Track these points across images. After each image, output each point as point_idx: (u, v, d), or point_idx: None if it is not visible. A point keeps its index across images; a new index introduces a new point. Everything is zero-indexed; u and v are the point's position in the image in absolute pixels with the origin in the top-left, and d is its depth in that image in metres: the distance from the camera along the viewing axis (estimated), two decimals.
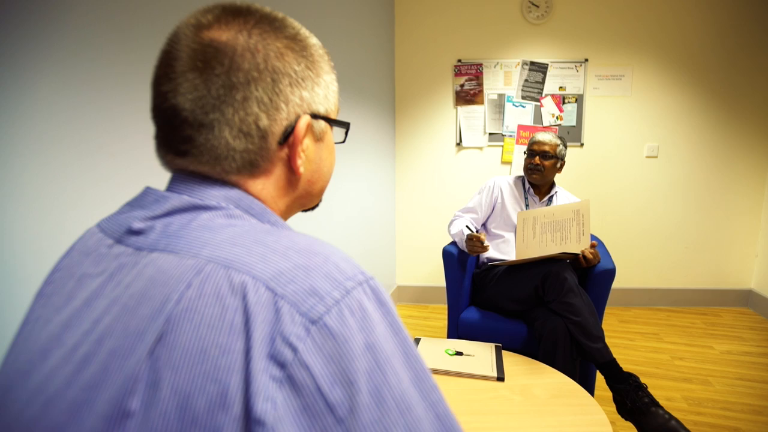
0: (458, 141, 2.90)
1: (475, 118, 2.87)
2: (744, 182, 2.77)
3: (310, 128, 0.41)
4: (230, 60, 0.35)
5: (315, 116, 0.41)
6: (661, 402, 1.75)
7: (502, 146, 2.86)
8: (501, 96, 2.83)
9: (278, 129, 0.38)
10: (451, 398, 1.12)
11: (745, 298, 2.84)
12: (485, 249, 1.60)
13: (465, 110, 2.87)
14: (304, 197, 0.45)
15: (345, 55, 2.05)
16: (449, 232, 1.86)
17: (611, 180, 2.85)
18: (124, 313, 0.31)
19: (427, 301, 3.02)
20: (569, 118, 2.80)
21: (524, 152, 1.83)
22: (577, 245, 1.57)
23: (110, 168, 0.87)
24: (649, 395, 1.22)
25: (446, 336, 1.83)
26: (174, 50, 0.36)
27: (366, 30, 2.34)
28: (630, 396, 1.23)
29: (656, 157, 2.80)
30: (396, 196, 3.02)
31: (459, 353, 1.34)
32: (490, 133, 2.87)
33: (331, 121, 0.44)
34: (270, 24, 0.38)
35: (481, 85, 2.83)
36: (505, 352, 1.37)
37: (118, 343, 0.30)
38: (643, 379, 1.93)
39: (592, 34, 2.73)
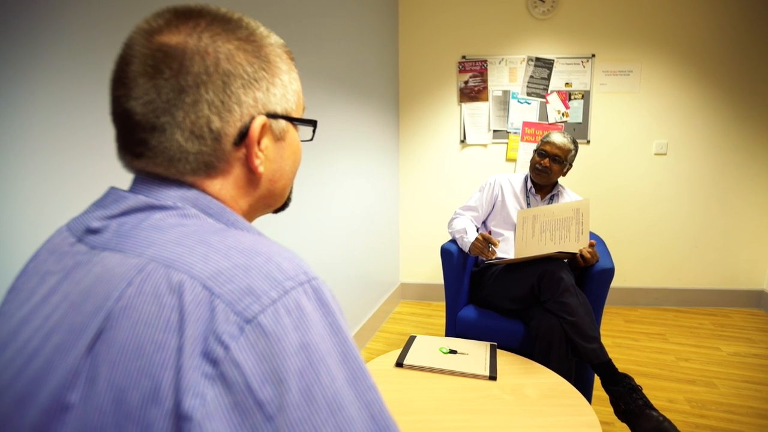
0: (462, 138, 2.88)
1: (479, 115, 2.85)
2: (756, 180, 2.70)
3: (268, 128, 0.41)
4: (179, 64, 0.36)
5: (272, 116, 0.41)
6: (663, 404, 1.73)
7: (507, 143, 2.84)
8: (506, 93, 2.80)
9: (232, 130, 0.38)
10: (441, 396, 1.12)
11: (757, 299, 2.77)
12: (491, 255, 1.58)
13: (469, 107, 2.85)
14: (268, 197, 0.45)
15: (349, 53, 2.05)
16: (449, 228, 1.84)
17: (618, 178, 2.80)
18: (71, 310, 0.32)
19: (430, 299, 3.02)
20: (575, 115, 2.76)
21: (534, 150, 1.80)
22: (576, 244, 1.55)
23: (109, 168, 0.88)
24: (644, 397, 1.20)
25: (444, 334, 1.83)
26: (127, 55, 0.37)
27: (370, 27, 2.33)
28: (624, 398, 1.21)
29: (665, 154, 2.75)
30: (400, 193, 3.02)
31: (453, 351, 1.34)
32: (494, 130, 2.84)
33: (294, 120, 0.44)
34: (222, 25, 0.38)
35: (485, 81, 2.80)
36: (500, 351, 1.36)
37: (63, 338, 0.31)
38: (645, 381, 1.90)
39: (600, 29, 2.68)
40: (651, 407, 1.17)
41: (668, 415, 1.62)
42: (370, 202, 2.45)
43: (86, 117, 0.85)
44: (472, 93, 2.83)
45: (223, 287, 0.30)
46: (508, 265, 1.63)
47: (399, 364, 1.27)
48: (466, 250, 1.70)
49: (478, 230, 1.86)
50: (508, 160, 2.86)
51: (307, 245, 1.72)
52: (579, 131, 2.76)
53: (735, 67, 2.62)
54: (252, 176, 0.42)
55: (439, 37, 2.83)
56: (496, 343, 1.41)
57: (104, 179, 0.89)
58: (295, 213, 1.63)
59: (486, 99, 2.82)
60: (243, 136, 0.39)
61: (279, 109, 0.42)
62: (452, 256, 1.73)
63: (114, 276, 0.32)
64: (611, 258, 1.65)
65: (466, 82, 2.82)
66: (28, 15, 0.75)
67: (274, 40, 0.42)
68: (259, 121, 0.39)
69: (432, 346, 1.37)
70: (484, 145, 2.88)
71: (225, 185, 0.41)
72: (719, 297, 2.79)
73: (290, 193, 0.51)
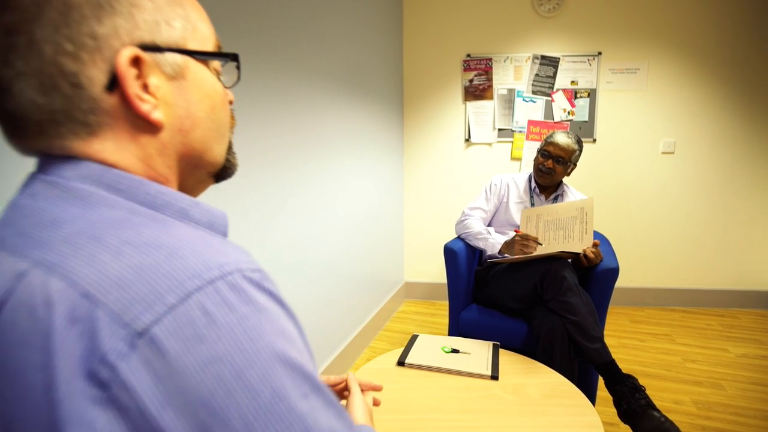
0: (467, 137, 2.87)
1: (484, 113, 2.83)
2: (766, 179, 2.66)
3: (152, 65, 0.33)
4: (3, 4, 0.29)
5: (150, 48, 0.33)
6: (669, 405, 1.72)
7: (512, 142, 2.82)
8: (511, 91, 2.78)
9: (95, 72, 0.31)
10: (442, 395, 1.12)
11: (766, 300, 2.73)
12: (533, 249, 1.57)
13: (474, 106, 2.83)
14: (190, 154, 0.37)
15: (353, 52, 2.06)
16: (464, 229, 1.81)
17: (625, 177, 2.77)
18: None
19: (434, 298, 3.01)
20: (581, 113, 2.74)
21: (538, 150, 1.79)
22: (580, 244, 1.53)
23: None
24: (646, 397, 1.19)
25: (447, 333, 1.83)
26: None
27: (375, 26, 2.33)
28: (626, 398, 1.20)
29: (672, 153, 2.71)
30: (404, 192, 3.01)
31: (455, 351, 1.34)
32: (499, 129, 2.83)
33: (191, 54, 0.36)
34: None
35: (490, 80, 2.79)
36: (502, 351, 1.36)
37: None
38: (651, 382, 1.89)
39: (606, 26, 2.66)
40: (653, 407, 1.16)
41: (674, 417, 1.61)
42: (375, 201, 2.45)
43: None
44: (477, 91, 2.82)
45: (109, 295, 0.26)
46: (511, 264, 1.63)
47: (401, 362, 1.27)
48: (494, 251, 1.68)
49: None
50: (513, 158, 2.84)
51: (311, 244, 1.72)
52: (585, 130, 2.74)
53: (744, 65, 2.58)
54: (152, 128, 0.34)
55: (443, 35, 2.82)
56: (498, 343, 1.40)
57: None
58: (299, 212, 1.63)
59: (491, 97, 2.80)
60: (116, 80, 0.32)
61: (159, 40, 0.33)
62: (456, 256, 1.72)
63: (2, 286, 0.28)
64: (616, 257, 1.64)
65: (470, 81, 2.81)
66: None
67: None
68: (126, 53, 0.31)
69: (434, 345, 1.37)
70: (489, 144, 2.86)
71: (121, 145, 0.33)
72: (727, 298, 2.76)
73: (230, 154, 0.43)
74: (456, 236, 1.88)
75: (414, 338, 1.43)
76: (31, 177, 0.33)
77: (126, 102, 0.32)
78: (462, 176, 2.91)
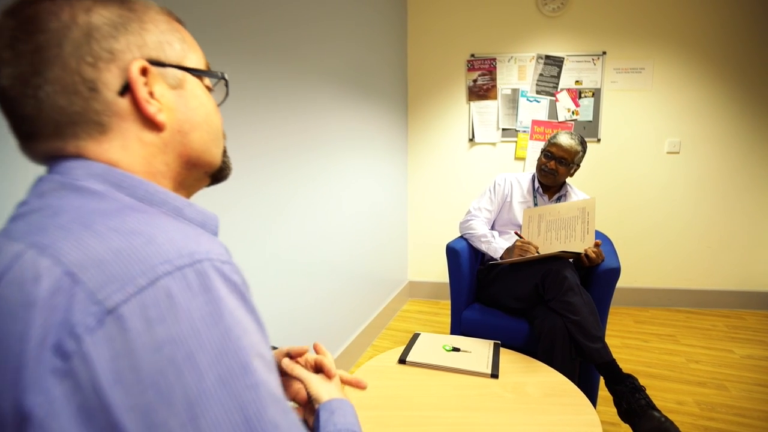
0: (471, 137, 2.87)
1: (488, 113, 2.84)
2: None
3: (157, 76, 0.40)
4: (35, 26, 0.35)
5: (156, 63, 0.39)
6: (671, 405, 1.72)
7: (516, 142, 2.82)
8: (515, 91, 2.78)
9: (111, 78, 0.37)
10: (442, 393, 1.13)
11: None
12: (534, 251, 1.59)
13: (478, 105, 2.84)
14: (188, 155, 0.43)
15: (358, 53, 2.07)
16: (468, 230, 1.82)
17: (630, 177, 2.76)
18: None
19: (438, 297, 3.02)
20: (585, 113, 2.73)
21: (541, 150, 1.79)
22: (581, 244, 1.54)
23: None
24: (646, 397, 1.19)
25: (449, 332, 1.84)
26: None
27: (379, 27, 2.34)
28: (626, 398, 1.20)
29: (678, 152, 2.70)
30: (408, 192, 3.02)
31: (456, 349, 1.35)
32: (503, 129, 2.83)
33: (188, 70, 0.42)
34: None
35: (494, 80, 2.79)
36: (503, 350, 1.36)
37: None
38: (654, 382, 1.88)
39: (611, 26, 2.65)
40: (653, 407, 1.16)
41: (676, 417, 1.61)
42: (379, 201, 2.47)
43: None
44: (481, 91, 2.82)
45: (88, 273, 0.28)
46: (512, 264, 1.63)
47: (402, 360, 1.29)
48: (497, 255, 1.70)
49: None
50: (517, 158, 2.84)
51: (315, 243, 1.74)
52: (589, 129, 2.74)
53: (750, 64, 2.56)
54: (155, 129, 0.40)
55: (447, 35, 2.82)
56: (499, 342, 1.41)
57: None
58: (303, 211, 1.65)
59: (495, 97, 2.81)
60: (127, 86, 0.38)
61: (163, 57, 0.40)
62: (458, 255, 1.73)
63: (1, 265, 0.31)
64: (617, 258, 1.64)
65: (474, 81, 2.82)
66: None
67: (144, 0, 0.42)
68: (137, 64, 0.38)
69: (435, 344, 1.38)
70: (493, 144, 2.87)
71: (128, 144, 0.38)
72: (733, 298, 2.74)
73: (226, 157, 0.48)
74: (459, 235, 1.89)
75: (415, 336, 1.44)
76: (41, 179, 0.37)
77: (135, 105, 0.38)
78: (466, 176, 2.92)
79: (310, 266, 1.72)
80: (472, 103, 2.84)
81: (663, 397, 1.78)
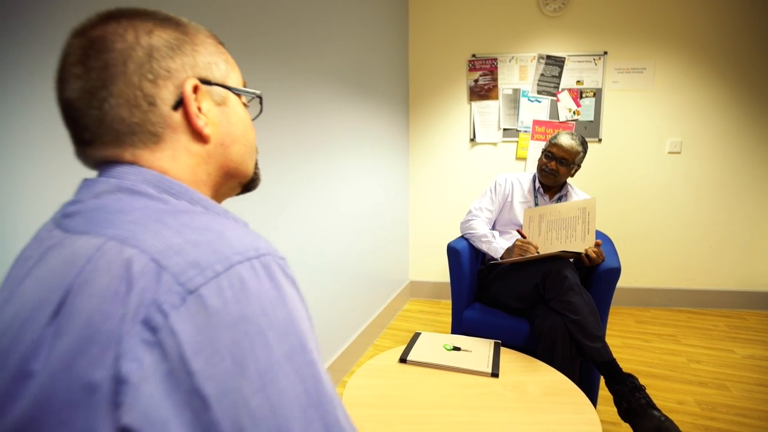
0: (472, 137, 2.88)
1: (489, 113, 2.84)
2: None
3: (205, 93, 0.44)
4: (103, 45, 0.40)
5: (205, 82, 0.44)
6: (672, 405, 1.72)
7: (517, 142, 2.83)
8: (516, 91, 2.79)
9: (167, 94, 0.42)
10: (442, 392, 1.14)
11: None
12: (534, 251, 1.59)
13: (479, 105, 2.84)
14: (227, 165, 0.48)
15: (359, 53, 2.08)
16: (469, 230, 1.83)
17: (631, 177, 2.76)
18: (41, 288, 0.35)
19: (439, 297, 3.03)
20: (587, 113, 2.73)
21: (542, 150, 1.79)
22: (582, 244, 1.54)
23: None
24: (646, 396, 1.20)
25: (450, 332, 1.84)
26: (63, 54, 0.42)
27: (380, 27, 2.35)
28: (626, 397, 1.21)
29: (679, 152, 2.70)
30: (409, 192, 3.03)
31: (457, 348, 1.36)
32: (504, 129, 2.83)
33: (231, 89, 0.47)
34: (141, 16, 0.43)
35: (495, 80, 2.80)
36: (504, 349, 1.37)
37: (29, 314, 0.34)
38: (655, 382, 1.89)
39: (612, 25, 2.65)
40: (653, 407, 1.17)
41: (676, 417, 1.62)
42: (380, 201, 2.48)
43: None
44: (482, 91, 2.83)
45: (171, 260, 0.32)
46: (513, 264, 1.64)
47: (403, 359, 1.29)
48: (497, 256, 1.70)
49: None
50: (518, 158, 2.85)
51: (316, 243, 1.75)
52: (590, 129, 2.74)
53: (751, 64, 2.56)
54: (201, 141, 0.44)
55: (449, 35, 2.83)
56: (500, 341, 1.42)
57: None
58: (304, 211, 1.66)
59: (496, 97, 2.81)
60: (180, 102, 0.43)
61: (211, 77, 0.45)
62: (459, 255, 1.74)
63: (77, 255, 0.35)
64: (618, 258, 1.64)
65: (476, 81, 2.82)
66: (33, 12, 0.79)
67: (195, 24, 0.46)
68: (191, 82, 0.43)
69: (436, 343, 1.39)
70: (494, 144, 2.87)
71: (177, 154, 0.43)
72: (735, 299, 2.74)
73: (257, 169, 0.53)
74: (460, 235, 1.90)
75: (416, 336, 1.45)
76: (93, 181, 0.41)
77: (186, 118, 0.43)
78: (467, 176, 2.93)
79: (311, 266, 1.72)
80: (473, 103, 2.85)
81: (664, 396, 1.78)
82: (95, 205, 0.39)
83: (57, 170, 0.82)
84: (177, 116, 0.42)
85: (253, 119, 0.52)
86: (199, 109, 0.44)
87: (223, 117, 0.46)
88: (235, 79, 0.49)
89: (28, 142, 0.78)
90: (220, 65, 0.46)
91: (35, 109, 0.78)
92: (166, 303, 0.31)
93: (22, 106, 0.76)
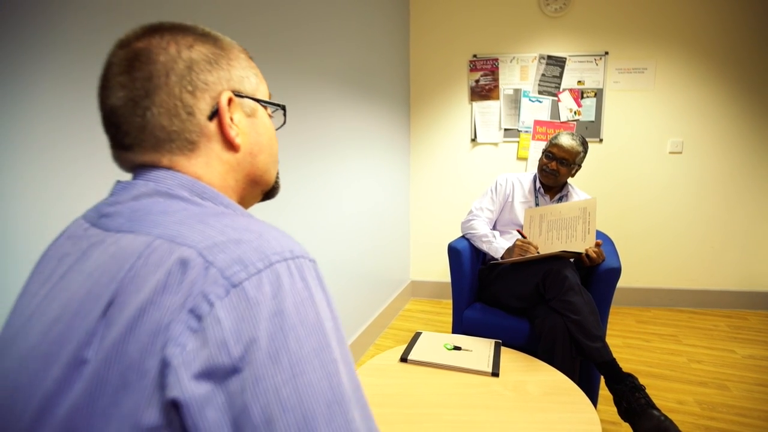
0: (473, 137, 2.88)
1: (490, 113, 2.85)
2: None
3: (237, 104, 0.47)
4: (147, 57, 0.43)
5: (238, 94, 0.47)
6: (672, 405, 1.72)
7: (518, 142, 2.83)
8: (517, 91, 2.79)
9: (204, 105, 0.45)
10: (442, 391, 1.14)
11: None
12: (534, 251, 1.60)
13: (480, 106, 2.85)
14: (253, 173, 0.51)
15: (360, 53, 2.08)
16: (469, 230, 1.83)
17: (632, 177, 2.76)
18: (88, 282, 0.38)
19: (440, 297, 3.03)
20: (588, 113, 2.73)
21: (543, 151, 1.80)
22: (582, 244, 1.55)
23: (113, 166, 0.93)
24: (646, 396, 1.20)
25: (451, 331, 1.85)
26: (107, 63, 0.45)
27: (381, 27, 2.35)
28: (626, 397, 1.21)
29: (680, 152, 2.70)
30: (410, 192, 3.04)
31: (457, 348, 1.36)
32: (505, 129, 2.84)
33: (260, 101, 0.50)
34: (182, 30, 0.46)
35: (496, 80, 2.80)
36: (504, 349, 1.37)
37: (81, 306, 0.37)
38: (655, 382, 1.89)
39: (613, 26, 2.65)
40: (653, 406, 1.17)
41: (676, 417, 1.62)
42: (381, 201, 2.48)
43: (92, 116, 0.89)
44: (483, 91, 2.83)
45: (217, 256, 0.35)
46: (513, 263, 1.64)
47: (404, 359, 1.30)
48: (497, 255, 1.71)
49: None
50: (519, 158, 2.85)
51: (317, 243, 1.76)
52: (591, 130, 2.74)
53: (752, 64, 2.56)
54: (232, 150, 0.47)
55: (450, 35, 2.83)
56: (500, 341, 1.42)
57: (111, 176, 0.93)
58: (305, 211, 1.67)
59: (497, 97, 2.81)
60: (215, 112, 0.46)
61: (243, 90, 0.48)
62: (459, 255, 1.74)
63: (126, 252, 0.37)
64: (618, 258, 1.64)
65: (477, 81, 2.82)
66: (36, 15, 0.80)
67: (225, 38, 0.49)
68: (226, 94, 0.46)
69: (437, 343, 1.39)
70: (495, 144, 2.87)
71: (210, 161, 0.46)
72: (736, 299, 2.74)
73: (278, 178, 0.57)
74: (461, 235, 1.90)
75: (417, 335, 1.45)
76: (130, 184, 0.44)
77: (219, 128, 0.46)
78: (468, 176, 2.93)
79: None
80: (474, 103, 2.85)
81: (664, 396, 1.79)
82: (135, 207, 0.41)
83: (57, 170, 0.83)
84: (212, 126, 0.45)
85: (276, 129, 0.55)
86: (231, 119, 0.46)
87: (252, 128, 0.49)
88: (263, 92, 0.52)
89: (29, 142, 0.78)
90: (251, 79, 0.49)
91: (35, 109, 0.79)
92: (213, 294, 0.33)
93: (22, 107, 0.77)
